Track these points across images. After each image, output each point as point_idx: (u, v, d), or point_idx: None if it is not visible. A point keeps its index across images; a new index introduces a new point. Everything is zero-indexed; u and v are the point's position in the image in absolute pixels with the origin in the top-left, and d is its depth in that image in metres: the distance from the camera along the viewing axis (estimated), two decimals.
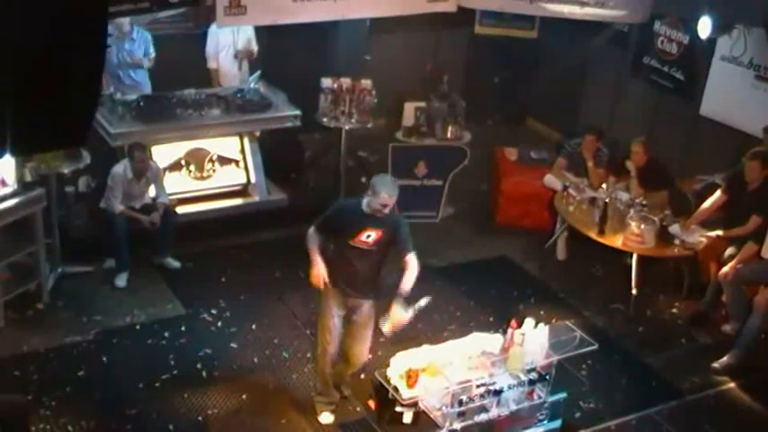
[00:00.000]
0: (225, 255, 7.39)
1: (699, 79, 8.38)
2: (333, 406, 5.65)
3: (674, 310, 7.18)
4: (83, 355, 6.07)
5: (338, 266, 5.27)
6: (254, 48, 8.58)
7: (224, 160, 7.77)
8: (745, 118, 7.75)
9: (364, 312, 5.39)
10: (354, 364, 5.58)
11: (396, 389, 4.97)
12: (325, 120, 8.10)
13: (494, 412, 5.01)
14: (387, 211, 5.09)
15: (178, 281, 7.05)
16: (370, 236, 5.14)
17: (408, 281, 5.12)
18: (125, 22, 7.71)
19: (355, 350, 5.49)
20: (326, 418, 5.63)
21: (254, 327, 6.51)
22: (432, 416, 4.92)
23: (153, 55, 8.13)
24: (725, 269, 6.60)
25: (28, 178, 6.42)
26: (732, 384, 6.28)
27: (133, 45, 7.98)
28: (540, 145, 9.13)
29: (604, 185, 7.53)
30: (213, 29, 8.37)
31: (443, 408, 4.89)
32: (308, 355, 6.20)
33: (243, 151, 7.86)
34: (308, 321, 6.59)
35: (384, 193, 5.03)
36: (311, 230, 5.26)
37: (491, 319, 6.77)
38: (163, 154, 7.43)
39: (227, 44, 8.41)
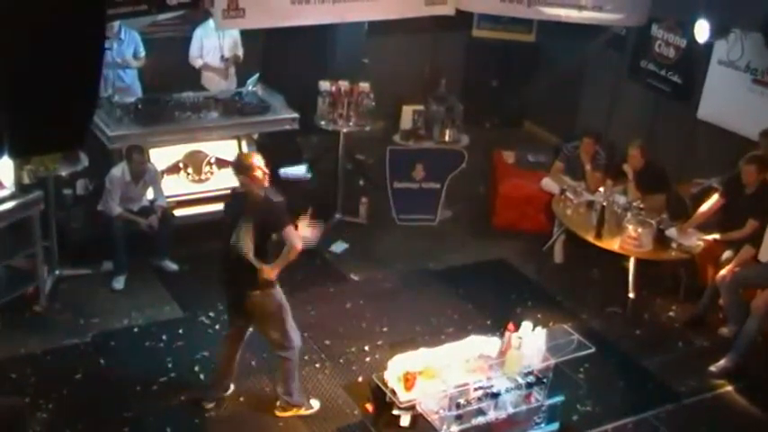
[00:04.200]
0: None
1: (696, 83, 8.38)
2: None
3: (671, 314, 7.19)
4: (80, 358, 6.07)
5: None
6: (240, 52, 8.56)
7: (222, 163, 7.76)
8: (742, 122, 7.76)
9: None
10: None
11: (393, 392, 4.98)
12: (323, 123, 8.11)
13: (491, 415, 5.02)
14: None
15: (176, 283, 7.05)
16: None
17: None
18: (114, 22, 7.69)
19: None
20: (315, 403, 5.72)
21: (250, 329, 6.50)
22: (429, 419, 4.93)
23: (143, 54, 8.11)
24: (722, 272, 6.61)
25: (26, 181, 6.42)
26: (729, 387, 6.29)
27: (122, 45, 7.96)
28: (537, 148, 9.15)
29: (602, 189, 7.54)
30: (198, 32, 8.36)
31: (441, 411, 4.90)
32: (306, 357, 6.20)
33: None
34: (305, 324, 6.59)
35: None
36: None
37: (488, 322, 6.77)
38: (161, 156, 7.42)
39: (213, 47, 8.40)
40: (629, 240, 6.89)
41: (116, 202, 6.84)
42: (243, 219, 5.11)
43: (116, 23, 7.73)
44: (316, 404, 5.69)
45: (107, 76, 7.93)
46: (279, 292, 5.34)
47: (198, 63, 8.48)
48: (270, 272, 5.16)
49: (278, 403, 5.60)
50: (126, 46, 8.00)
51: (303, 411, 5.60)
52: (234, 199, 5.39)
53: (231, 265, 5.27)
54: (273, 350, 5.55)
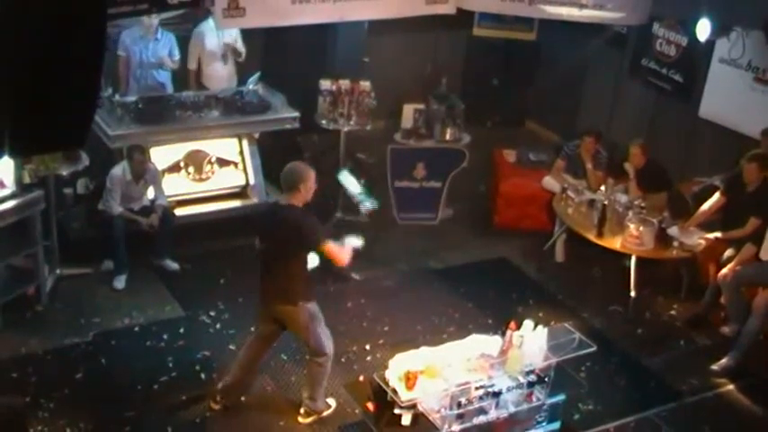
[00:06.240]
0: (223, 257, 7.39)
1: (697, 81, 8.38)
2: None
3: (673, 312, 7.19)
4: (81, 357, 6.07)
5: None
6: (242, 49, 8.54)
7: (223, 162, 7.76)
8: (743, 120, 7.76)
9: None
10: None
11: (394, 391, 4.97)
12: (323, 122, 8.10)
13: (492, 414, 5.01)
14: None
15: (177, 283, 7.05)
16: None
17: None
18: (153, 21, 7.75)
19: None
20: (332, 402, 5.74)
21: (252, 329, 6.49)
22: (430, 418, 4.93)
23: (177, 57, 8.15)
24: (723, 271, 6.61)
25: (26, 180, 6.42)
26: (731, 386, 6.29)
27: (158, 45, 8.01)
28: (538, 147, 9.13)
29: (603, 187, 7.54)
30: (198, 30, 8.35)
31: (442, 410, 4.89)
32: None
33: (242, 153, 7.85)
34: None
35: None
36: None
37: (490, 321, 6.77)
38: (162, 156, 7.42)
39: (213, 46, 8.39)
40: (630, 239, 6.88)
41: (117, 202, 6.84)
42: (281, 238, 5.19)
43: (154, 23, 7.80)
44: (332, 402, 5.70)
45: (141, 75, 7.97)
46: (313, 305, 5.36)
47: (194, 63, 8.45)
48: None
49: (301, 410, 5.59)
50: (162, 46, 8.04)
51: (324, 415, 5.61)
52: (275, 210, 5.46)
53: (265, 276, 5.36)
54: (308, 354, 5.56)
